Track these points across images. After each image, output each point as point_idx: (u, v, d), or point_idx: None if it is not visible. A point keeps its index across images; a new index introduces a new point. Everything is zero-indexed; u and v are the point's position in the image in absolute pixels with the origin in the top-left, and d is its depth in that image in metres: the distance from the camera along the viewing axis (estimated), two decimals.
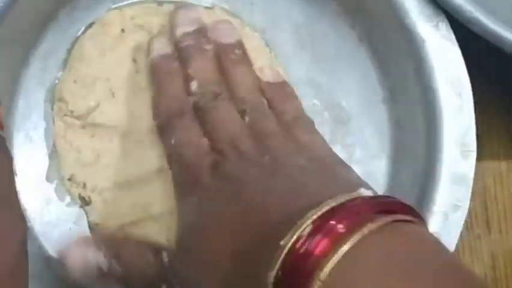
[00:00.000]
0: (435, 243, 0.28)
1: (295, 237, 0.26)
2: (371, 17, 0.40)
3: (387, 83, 0.41)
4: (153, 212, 0.38)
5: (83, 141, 0.39)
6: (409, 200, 0.35)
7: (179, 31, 0.38)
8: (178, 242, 0.34)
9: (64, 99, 0.39)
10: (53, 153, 0.39)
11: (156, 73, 0.38)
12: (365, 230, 0.26)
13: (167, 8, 0.41)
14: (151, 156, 0.38)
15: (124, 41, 0.40)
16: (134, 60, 0.40)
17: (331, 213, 0.27)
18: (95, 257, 0.33)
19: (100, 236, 0.36)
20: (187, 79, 0.37)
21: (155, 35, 0.39)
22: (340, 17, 0.41)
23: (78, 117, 0.39)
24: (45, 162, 0.39)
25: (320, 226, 0.26)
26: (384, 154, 0.41)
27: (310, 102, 0.41)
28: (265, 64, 0.40)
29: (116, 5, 0.41)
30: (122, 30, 0.40)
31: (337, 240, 0.25)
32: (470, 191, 0.37)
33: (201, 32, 0.38)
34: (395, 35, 0.39)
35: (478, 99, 0.40)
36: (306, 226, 0.26)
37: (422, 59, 0.37)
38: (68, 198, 0.39)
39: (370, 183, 0.38)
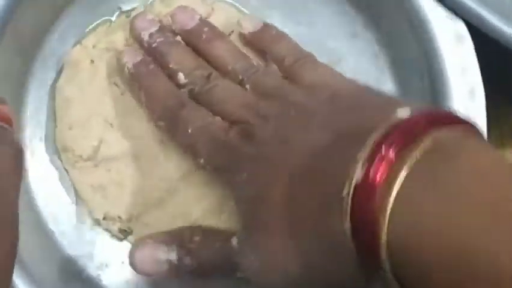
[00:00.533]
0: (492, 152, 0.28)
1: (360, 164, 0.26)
2: None
3: (364, 10, 0.41)
4: (194, 217, 0.39)
5: (102, 178, 0.39)
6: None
7: (145, 34, 0.38)
8: (244, 218, 0.33)
9: (68, 148, 0.40)
10: (78, 200, 0.40)
11: (138, 80, 0.38)
12: (421, 146, 0.26)
13: (121, 21, 0.41)
14: (170, 167, 0.39)
15: (98, 70, 0.40)
16: (116, 84, 0.40)
17: (385, 137, 0.27)
18: (166, 255, 0.34)
19: (168, 234, 0.36)
20: (172, 74, 0.37)
21: (121, 51, 0.40)
22: None
23: (88, 159, 0.40)
24: (72, 210, 0.40)
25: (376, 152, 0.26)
26: (385, 76, 0.41)
27: None
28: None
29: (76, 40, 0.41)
30: (92, 61, 0.41)
31: (394, 164, 0.26)
32: (479, 72, 0.37)
33: (164, 28, 0.39)
34: None
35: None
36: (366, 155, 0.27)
37: None
38: (107, 236, 0.40)
39: None
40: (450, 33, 0.38)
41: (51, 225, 0.40)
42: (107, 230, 0.40)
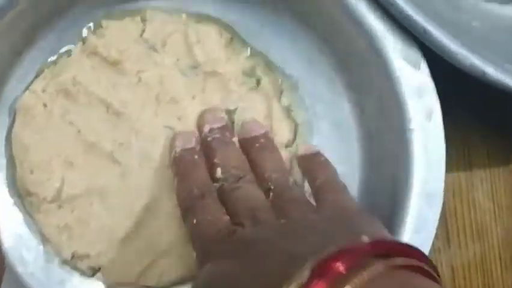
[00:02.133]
0: None
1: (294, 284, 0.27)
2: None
3: (317, 36, 0.42)
4: (161, 249, 0.40)
5: (67, 218, 0.40)
6: (387, 130, 0.39)
7: (207, 127, 0.40)
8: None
9: (31, 192, 0.40)
10: (45, 242, 0.41)
11: (178, 164, 0.39)
12: (364, 274, 0.27)
13: (63, 62, 0.42)
14: (132, 200, 0.40)
15: (52, 113, 0.41)
16: (72, 123, 0.41)
17: (328, 259, 0.28)
18: None
19: None
20: (213, 167, 0.39)
21: (178, 132, 0.41)
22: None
23: (52, 201, 0.40)
24: (39, 251, 0.41)
25: (318, 272, 0.27)
26: (343, 99, 0.43)
27: None
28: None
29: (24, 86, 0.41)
30: (45, 105, 0.41)
31: (335, 284, 0.26)
32: (436, 95, 0.38)
33: (227, 128, 0.41)
34: (343, 25, 0.40)
35: None
36: (304, 273, 0.27)
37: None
38: (76, 274, 0.41)
39: (344, 132, 0.42)
40: (405, 59, 0.39)
41: (19, 267, 0.40)
42: (75, 268, 0.40)
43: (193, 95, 0.42)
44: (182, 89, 0.42)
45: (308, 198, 0.38)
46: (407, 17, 0.39)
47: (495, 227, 0.46)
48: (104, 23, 0.42)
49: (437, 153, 0.38)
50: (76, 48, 0.42)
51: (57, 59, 0.42)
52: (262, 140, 0.40)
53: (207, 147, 0.40)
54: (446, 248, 0.46)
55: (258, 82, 0.43)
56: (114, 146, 0.41)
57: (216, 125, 0.40)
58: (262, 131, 0.41)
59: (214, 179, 0.38)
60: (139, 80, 0.41)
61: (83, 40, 0.42)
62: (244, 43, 0.43)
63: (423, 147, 0.38)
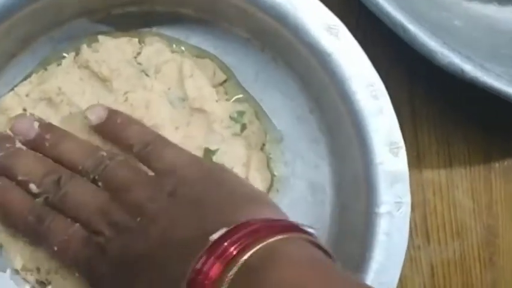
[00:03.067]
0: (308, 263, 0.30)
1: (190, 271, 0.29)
2: (277, 38, 0.40)
3: (310, 95, 0.42)
4: None
5: None
6: (359, 205, 0.39)
7: None
8: None
9: None
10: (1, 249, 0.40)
11: None
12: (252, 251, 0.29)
13: (53, 70, 0.41)
14: None
15: None
16: None
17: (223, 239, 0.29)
18: None
19: None
20: (24, 186, 0.36)
21: None
22: (249, 43, 0.42)
23: None
24: None
25: (212, 251, 0.29)
26: (324, 162, 0.42)
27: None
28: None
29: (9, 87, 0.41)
30: (24, 110, 0.41)
31: (228, 263, 0.28)
32: (408, 185, 0.38)
33: (2, 139, 0.38)
34: (302, 51, 0.39)
35: (417, 115, 0.43)
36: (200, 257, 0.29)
37: (332, 71, 0.38)
38: (27, 286, 0.40)
39: (318, 195, 0.42)
40: (387, 145, 0.38)
41: None
42: (25, 280, 0.40)
43: (176, 126, 0.41)
44: (167, 118, 0.41)
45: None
46: (387, 15, 0.39)
47: (474, 225, 0.47)
48: (100, 38, 0.42)
49: (399, 245, 0.38)
50: (67, 58, 0.42)
51: (48, 66, 0.41)
52: (47, 136, 0.38)
53: (0, 169, 0.37)
54: (425, 246, 0.46)
55: (243, 128, 0.42)
56: None
57: None
58: (37, 124, 0.38)
59: (34, 196, 0.36)
60: (126, 99, 0.41)
61: (77, 51, 0.42)
62: (238, 87, 0.43)
63: (386, 234, 0.38)
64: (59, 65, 0.41)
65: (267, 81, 0.43)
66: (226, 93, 0.43)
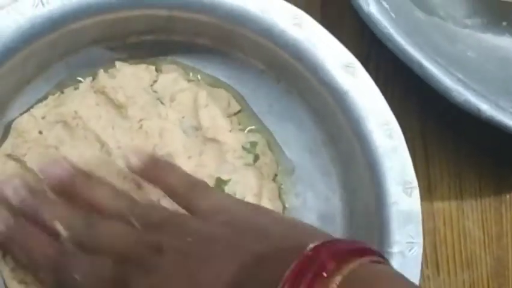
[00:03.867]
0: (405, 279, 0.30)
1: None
2: (292, 72, 0.40)
3: (323, 128, 0.42)
4: None
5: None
6: (370, 240, 0.38)
7: (8, 190, 0.37)
8: None
9: None
10: None
11: (13, 246, 0.37)
12: (346, 270, 0.28)
13: (69, 93, 0.41)
14: None
15: (45, 142, 0.40)
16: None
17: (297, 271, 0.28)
18: None
19: None
20: (51, 230, 0.36)
21: None
22: (264, 74, 0.42)
23: None
24: None
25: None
26: (335, 195, 0.42)
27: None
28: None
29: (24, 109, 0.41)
30: (40, 132, 0.41)
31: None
32: (421, 226, 0.38)
33: (31, 185, 0.38)
34: (318, 88, 0.39)
35: (428, 146, 0.43)
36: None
37: (347, 108, 0.38)
38: None
39: (329, 226, 0.41)
40: (400, 184, 0.38)
41: None
42: None
43: (189, 155, 0.41)
44: (181, 147, 0.41)
45: None
46: (403, 52, 0.39)
47: (484, 256, 0.47)
48: (118, 64, 0.42)
49: None
50: (84, 83, 0.42)
51: (59, 94, 0.41)
52: (76, 179, 0.38)
53: (27, 214, 0.37)
54: (435, 276, 0.46)
55: (256, 159, 0.42)
56: None
57: (19, 187, 0.37)
58: (67, 168, 0.38)
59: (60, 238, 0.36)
60: (140, 127, 0.41)
61: (94, 76, 0.42)
62: (251, 117, 0.43)
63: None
64: (76, 88, 0.41)
65: (281, 113, 0.43)
66: (239, 124, 0.43)
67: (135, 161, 0.38)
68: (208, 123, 0.42)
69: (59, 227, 0.35)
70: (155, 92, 0.42)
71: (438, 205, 0.42)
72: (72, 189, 0.37)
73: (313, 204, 0.42)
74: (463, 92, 0.39)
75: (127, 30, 0.41)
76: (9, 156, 0.40)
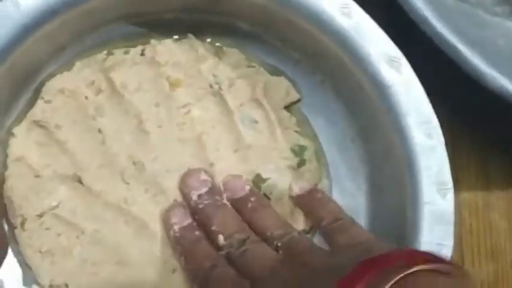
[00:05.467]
0: None
1: None
2: (332, 63, 0.39)
3: (354, 122, 0.41)
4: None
5: (51, 243, 0.38)
6: (392, 239, 0.38)
7: (194, 194, 0.39)
8: None
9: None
10: (24, 265, 0.38)
11: (182, 244, 0.38)
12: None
13: (123, 58, 0.40)
14: (126, 246, 0.39)
15: (86, 111, 0.39)
16: (99, 130, 0.39)
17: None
18: None
19: None
20: (213, 235, 0.38)
21: (170, 207, 0.39)
22: (300, 64, 0.41)
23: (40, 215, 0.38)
24: (18, 273, 0.38)
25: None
26: (360, 192, 0.42)
27: None
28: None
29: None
30: (86, 98, 0.39)
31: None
32: (452, 229, 0.37)
33: (214, 191, 0.40)
34: (358, 80, 0.38)
35: (455, 136, 0.42)
36: None
37: (389, 104, 0.37)
38: None
39: None
40: (436, 184, 0.37)
41: None
42: None
43: (236, 148, 0.40)
44: (232, 141, 0.40)
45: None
46: (439, 35, 0.39)
47: (509, 247, 0.46)
48: (170, 40, 0.41)
49: None
50: (135, 49, 0.40)
51: (107, 56, 0.40)
52: (252, 199, 0.40)
53: (201, 215, 0.39)
54: None
55: (301, 164, 0.41)
56: (128, 163, 0.39)
57: (203, 190, 0.39)
58: (248, 188, 0.40)
59: (217, 247, 0.38)
60: (188, 112, 0.40)
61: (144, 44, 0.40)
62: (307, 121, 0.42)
63: None
64: (126, 53, 0.40)
65: (312, 104, 0.42)
66: (292, 121, 0.42)
67: (295, 189, 0.41)
68: (264, 116, 0.41)
69: (220, 237, 0.38)
70: (214, 75, 0.41)
71: (465, 196, 0.42)
72: (243, 207, 0.39)
73: (338, 199, 0.41)
74: (497, 77, 0.39)
75: (167, 5, 0.39)
76: (36, 122, 0.39)
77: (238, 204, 0.40)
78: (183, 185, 0.40)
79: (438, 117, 0.39)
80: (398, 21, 0.39)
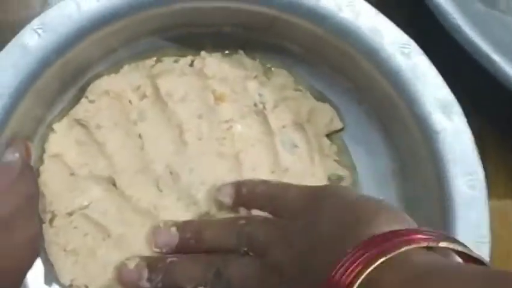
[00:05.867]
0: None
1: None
2: (382, 98, 0.39)
3: (396, 159, 0.41)
4: None
5: (77, 242, 0.38)
6: None
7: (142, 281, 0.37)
8: None
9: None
10: (47, 262, 0.38)
11: None
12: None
13: (172, 66, 0.40)
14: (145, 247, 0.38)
15: (128, 114, 0.39)
16: (138, 136, 0.39)
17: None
18: None
19: None
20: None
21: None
22: (348, 93, 0.41)
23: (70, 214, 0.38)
24: (39, 271, 0.38)
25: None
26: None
27: None
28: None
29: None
30: (130, 102, 0.39)
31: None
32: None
33: (156, 261, 0.38)
34: (406, 119, 0.38)
35: (485, 144, 0.41)
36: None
37: (435, 150, 0.36)
38: None
39: None
40: (467, 189, 0.37)
41: None
42: None
43: (272, 170, 0.40)
44: (270, 162, 0.40)
45: None
46: (472, 44, 0.39)
47: None
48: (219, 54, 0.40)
49: None
50: (184, 59, 0.40)
51: (156, 63, 0.40)
52: (188, 235, 0.38)
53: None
54: None
55: None
56: (165, 171, 0.39)
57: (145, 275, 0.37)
58: (174, 231, 0.38)
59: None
60: (229, 128, 0.39)
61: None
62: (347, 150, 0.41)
63: None
64: (176, 61, 0.40)
65: (354, 134, 0.41)
66: (332, 149, 0.41)
67: (227, 200, 0.38)
68: (305, 141, 0.40)
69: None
70: (260, 94, 0.40)
71: (494, 204, 0.40)
72: (187, 246, 0.37)
73: None
74: None
75: (224, 20, 0.39)
76: (77, 121, 0.39)
77: (183, 249, 0.38)
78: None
79: (469, 126, 0.40)
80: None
